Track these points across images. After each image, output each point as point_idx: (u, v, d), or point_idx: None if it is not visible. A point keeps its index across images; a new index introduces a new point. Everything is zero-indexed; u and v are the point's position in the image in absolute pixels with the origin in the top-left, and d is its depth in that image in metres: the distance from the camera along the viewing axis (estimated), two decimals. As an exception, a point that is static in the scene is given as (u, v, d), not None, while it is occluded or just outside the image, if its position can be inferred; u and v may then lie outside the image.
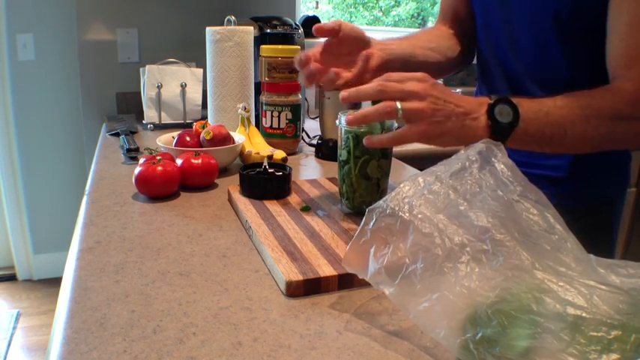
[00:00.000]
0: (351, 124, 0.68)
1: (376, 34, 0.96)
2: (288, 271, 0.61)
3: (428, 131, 0.65)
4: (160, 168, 0.89)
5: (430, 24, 2.73)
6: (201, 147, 1.07)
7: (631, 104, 0.72)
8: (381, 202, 0.53)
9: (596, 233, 0.91)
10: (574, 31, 0.81)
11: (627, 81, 0.73)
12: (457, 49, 1.02)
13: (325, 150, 1.22)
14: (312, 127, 1.43)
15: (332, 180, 0.99)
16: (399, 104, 0.65)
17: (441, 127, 0.65)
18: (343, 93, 0.68)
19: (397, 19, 3.15)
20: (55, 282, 2.40)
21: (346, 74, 0.78)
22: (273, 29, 1.60)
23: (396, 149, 1.10)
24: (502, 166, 0.53)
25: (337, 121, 0.80)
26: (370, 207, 0.54)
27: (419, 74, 0.68)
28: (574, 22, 0.80)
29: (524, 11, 0.87)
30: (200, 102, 1.59)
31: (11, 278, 2.50)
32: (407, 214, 0.51)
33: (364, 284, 0.57)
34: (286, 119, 1.20)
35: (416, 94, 0.65)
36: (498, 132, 0.67)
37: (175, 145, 1.09)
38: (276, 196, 0.88)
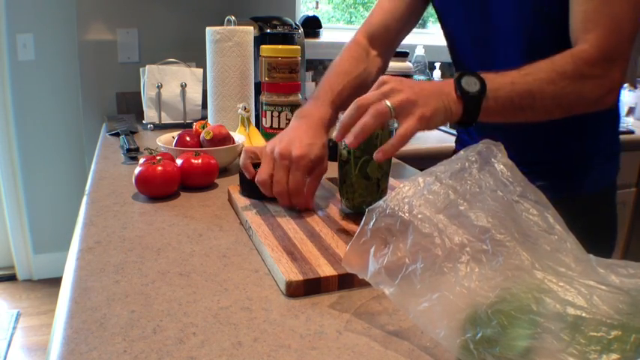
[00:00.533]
0: (355, 145, 0.67)
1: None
2: (288, 271, 0.61)
3: (424, 114, 0.66)
4: (160, 168, 0.89)
5: (430, 24, 2.72)
6: (201, 147, 1.07)
7: (591, 64, 0.74)
8: (381, 202, 0.53)
9: (596, 233, 0.91)
10: (561, 17, 0.81)
11: (585, 43, 0.75)
12: (372, 72, 1.01)
13: (325, 150, 1.22)
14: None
15: (332, 180, 0.99)
16: (387, 102, 0.66)
17: (430, 106, 0.67)
18: (348, 138, 0.68)
19: (397, 19, 3.15)
20: (55, 282, 2.40)
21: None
22: (273, 29, 1.60)
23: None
24: (502, 166, 0.53)
25: (337, 122, 0.80)
26: (370, 207, 0.54)
27: (381, 78, 0.70)
28: (559, 6, 0.81)
29: (506, 10, 0.87)
30: (200, 102, 1.59)
31: (11, 278, 2.50)
32: (407, 214, 0.51)
33: (364, 284, 0.57)
34: (286, 119, 1.20)
35: (393, 90, 0.67)
36: (469, 102, 0.69)
37: (175, 145, 1.09)
38: (276, 196, 0.88)
